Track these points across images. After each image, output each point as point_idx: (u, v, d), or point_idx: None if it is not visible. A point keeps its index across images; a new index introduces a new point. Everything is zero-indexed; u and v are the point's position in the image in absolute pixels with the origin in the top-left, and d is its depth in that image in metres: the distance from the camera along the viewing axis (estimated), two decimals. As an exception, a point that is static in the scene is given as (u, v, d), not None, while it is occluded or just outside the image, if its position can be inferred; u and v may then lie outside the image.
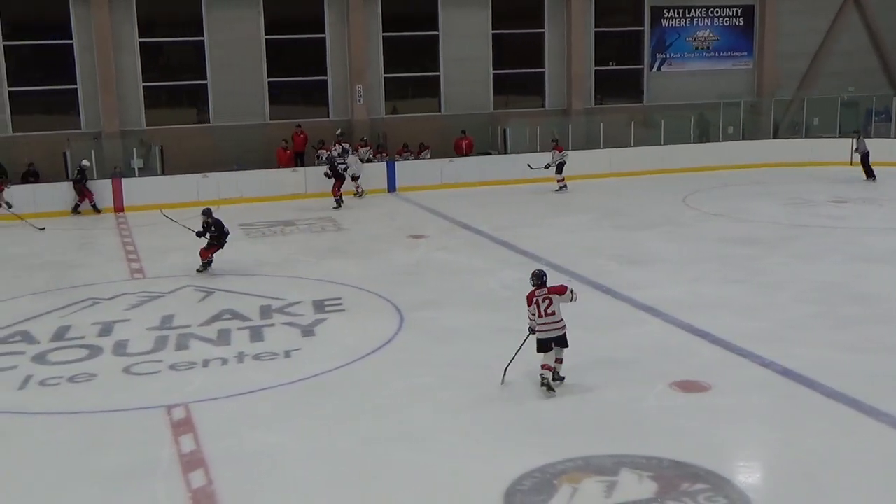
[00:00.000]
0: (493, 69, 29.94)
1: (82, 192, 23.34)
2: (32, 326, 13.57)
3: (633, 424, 9.54)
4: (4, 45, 25.58)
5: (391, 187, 26.13)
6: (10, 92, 25.80)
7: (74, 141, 25.65)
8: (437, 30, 29.23)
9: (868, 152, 25.84)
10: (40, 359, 12.13)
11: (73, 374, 11.49)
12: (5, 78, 25.69)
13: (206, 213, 16.41)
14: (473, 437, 9.35)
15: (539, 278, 10.63)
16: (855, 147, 26.12)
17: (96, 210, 23.43)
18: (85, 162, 23.46)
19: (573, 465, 8.53)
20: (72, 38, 26.08)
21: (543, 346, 10.39)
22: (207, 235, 16.43)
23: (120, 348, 12.49)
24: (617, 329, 12.84)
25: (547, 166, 24.95)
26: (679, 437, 9.11)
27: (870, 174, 25.80)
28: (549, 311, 10.37)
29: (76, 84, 26.32)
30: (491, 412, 9.99)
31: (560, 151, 25.16)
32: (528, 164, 24.86)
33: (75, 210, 23.21)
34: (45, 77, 26.77)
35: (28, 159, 24.90)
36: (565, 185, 25.18)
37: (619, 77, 32.10)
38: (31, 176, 24.72)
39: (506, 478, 8.28)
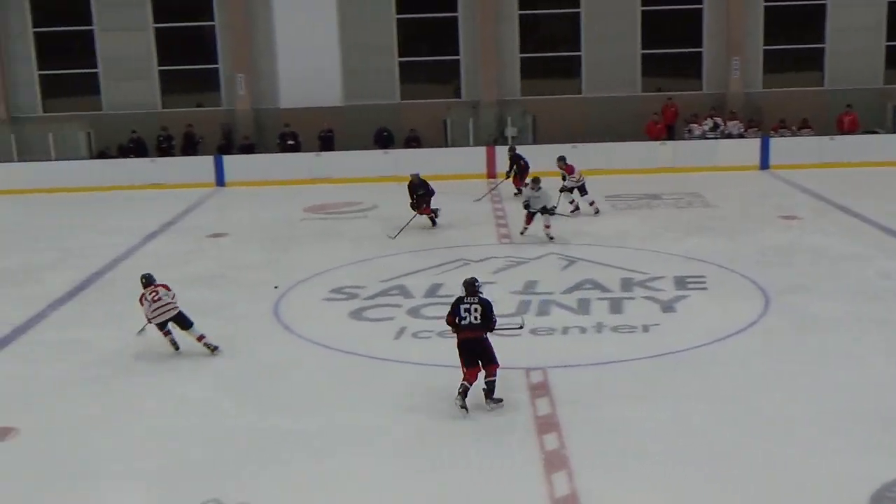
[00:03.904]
0: (886, 41, 27.58)
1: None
2: (409, 281, 14.57)
3: None
4: (398, 19, 27.37)
5: (764, 164, 25.02)
6: (400, 63, 27.60)
7: (454, 109, 27.05)
8: (824, -1, 27.43)
9: None
10: (415, 312, 13.00)
11: (443, 329, 12.14)
12: (396, 51, 27.50)
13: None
14: (839, 432, 8.81)
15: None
16: None
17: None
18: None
19: (955, 476, 7.78)
20: (457, 11, 27.39)
21: None
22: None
23: (485, 309, 13.04)
24: None
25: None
26: None
27: None
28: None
29: (458, 55, 27.65)
30: (858, 407, 9.34)
31: (571, 174, 19.56)
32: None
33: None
34: (430, 48, 28.44)
35: (411, 126, 26.59)
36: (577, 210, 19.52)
37: None
38: (412, 141, 26.41)
39: (875, 479, 7.72)
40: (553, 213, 17.13)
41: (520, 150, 22.20)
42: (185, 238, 18.90)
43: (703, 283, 14.11)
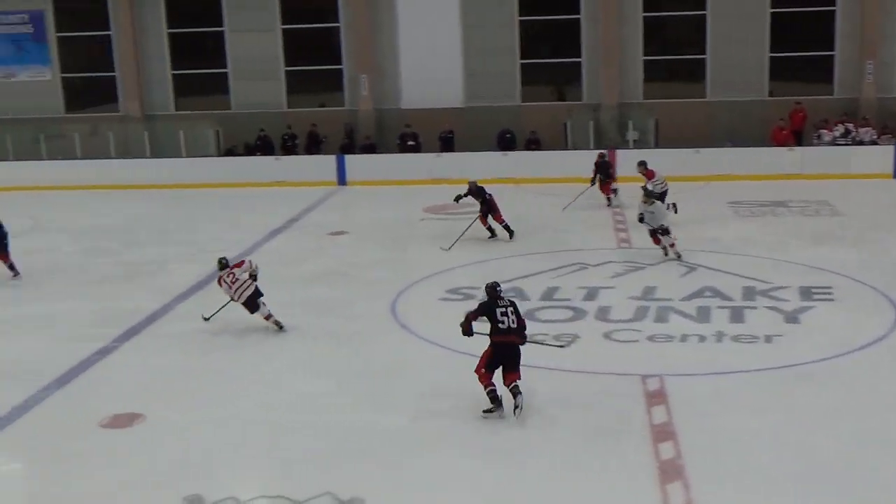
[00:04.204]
0: None
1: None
2: (525, 284, 14.52)
3: None
4: (520, 21, 27.34)
5: (899, 172, 24.06)
6: (521, 65, 27.55)
7: (575, 111, 26.87)
8: (967, 0, 26.17)
9: None
10: (530, 315, 12.84)
11: (558, 332, 12.11)
12: (518, 53, 27.45)
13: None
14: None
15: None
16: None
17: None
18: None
19: None
20: (579, 13, 27.17)
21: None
22: None
23: (602, 314, 12.95)
24: None
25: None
26: None
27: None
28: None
29: (580, 57, 27.44)
30: None
31: (651, 178, 18.75)
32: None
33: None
34: (552, 50, 28.29)
35: (531, 128, 26.49)
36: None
37: None
38: (533, 143, 26.33)
39: None
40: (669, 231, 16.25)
41: (642, 154, 21.68)
42: (306, 235, 19.30)
43: (830, 293, 13.66)
